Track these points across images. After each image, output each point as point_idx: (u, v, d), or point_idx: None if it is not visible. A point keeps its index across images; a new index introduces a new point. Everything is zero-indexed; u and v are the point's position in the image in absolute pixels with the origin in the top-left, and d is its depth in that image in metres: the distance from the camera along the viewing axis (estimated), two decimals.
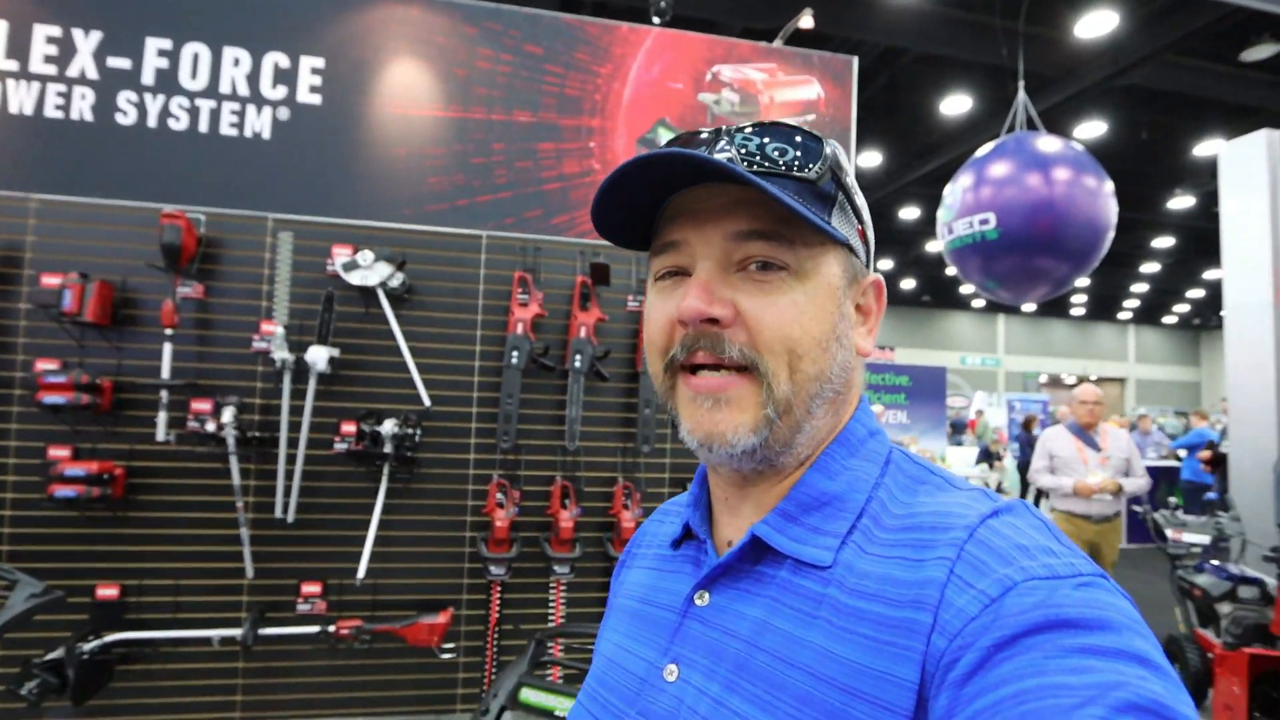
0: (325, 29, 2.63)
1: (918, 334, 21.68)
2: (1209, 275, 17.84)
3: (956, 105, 9.08)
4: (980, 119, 9.22)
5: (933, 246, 15.16)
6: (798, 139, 0.52)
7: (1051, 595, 0.40)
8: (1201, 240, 14.60)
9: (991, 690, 0.37)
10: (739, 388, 0.52)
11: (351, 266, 2.46)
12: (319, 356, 2.36)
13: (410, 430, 2.47)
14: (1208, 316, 23.17)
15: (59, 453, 2.34)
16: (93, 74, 2.47)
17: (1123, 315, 23.63)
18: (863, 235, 0.57)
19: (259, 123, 2.56)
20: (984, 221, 5.51)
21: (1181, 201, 12.15)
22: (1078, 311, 23.13)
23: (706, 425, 0.52)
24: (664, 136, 2.77)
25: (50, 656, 2.22)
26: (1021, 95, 6.67)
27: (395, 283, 2.50)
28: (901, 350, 18.55)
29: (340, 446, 2.48)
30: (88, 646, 2.26)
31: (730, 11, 5.87)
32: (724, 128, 0.54)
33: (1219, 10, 6.34)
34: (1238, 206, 3.66)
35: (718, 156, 0.51)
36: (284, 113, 2.58)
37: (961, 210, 5.59)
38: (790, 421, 0.52)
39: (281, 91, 2.58)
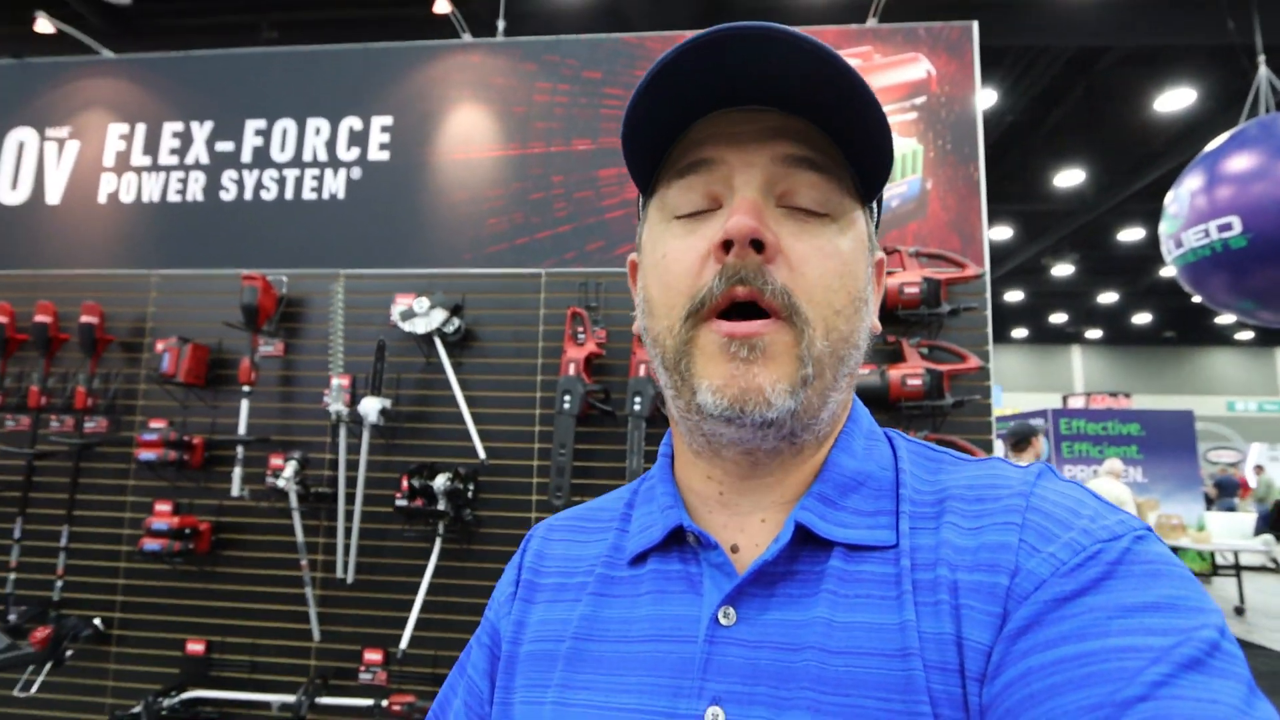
0: (393, 88, 2.69)
1: (1161, 377, 18.14)
2: None
3: (1176, 100, 7.64)
4: (1209, 113, 7.65)
5: (1168, 272, 12.77)
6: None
7: (1109, 552, 0.40)
8: None
9: (1050, 648, 0.37)
10: (778, 333, 0.45)
11: (408, 315, 2.40)
12: (370, 408, 2.28)
13: (462, 486, 2.28)
14: None
15: (162, 508, 2.47)
16: (205, 159, 2.73)
17: None
18: (878, 205, 0.55)
19: (335, 184, 2.65)
20: (1225, 228, 4.44)
21: None
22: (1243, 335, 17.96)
23: (741, 380, 0.45)
24: None
25: (133, 710, 2.27)
26: (1263, 71, 5.35)
27: (450, 328, 2.38)
28: (1141, 397, 15.44)
29: (401, 503, 2.36)
30: (167, 703, 2.29)
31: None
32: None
33: None
34: None
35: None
36: (356, 172, 2.65)
37: (1192, 217, 4.53)
38: (820, 387, 0.47)
39: (355, 152, 2.66)
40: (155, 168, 2.75)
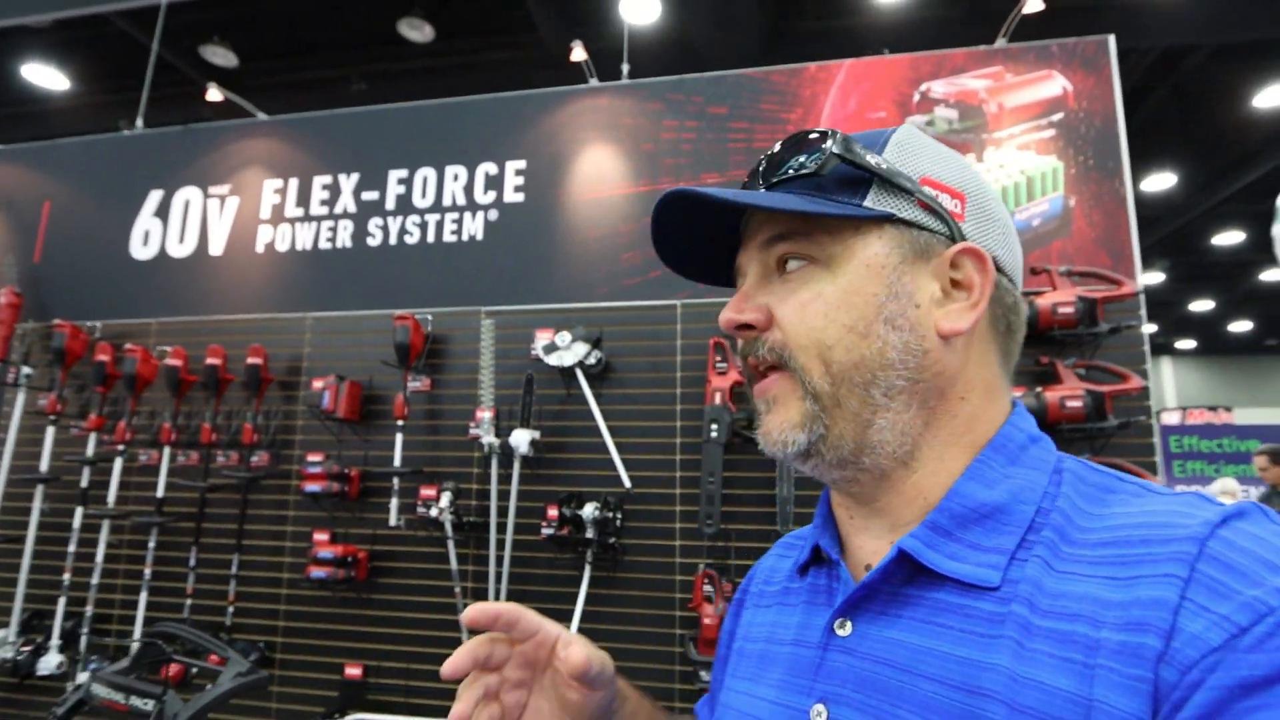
0: (526, 133, 2.83)
1: (1263, 389, 16.97)
2: None
3: (1277, 96, 7.26)
4: None
5: (1269, 276, 11.99)
6: (801, 142, 0.53)
7: None
8: None
9: None
10: (779, 385, 0.52)
11: (551, 349, 2.49)
12: (521, 440, 2.37)
13: (610, 514, 2.34)
14: None
15: (320, 537, 2.61)
16: (351, 208, 2.92)
17: None
18: (925, 205, 0.52)
19: (473, 226, 2.79)
20: None
21: None
22: None
23: (764, 428, 0.54)
24: None
25: None
26: None
27: (592, 361, 2.46)
28: (1243, 411, 14.50)
29: (547, 531, 2.43)
30: None
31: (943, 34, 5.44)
32: (762, 156, 0.57)
33: None
34: None
35: (758, 186, 0.55)
36: (494, 214, 2.78)
37: None
38: (846, 415, 0.50)
39: (491, 196, 2.80)
40: (307, 218, 2.96)
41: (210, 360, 2.73)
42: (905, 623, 0.47)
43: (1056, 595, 0.42)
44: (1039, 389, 2.13)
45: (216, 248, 3.02)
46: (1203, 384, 17.49)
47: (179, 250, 3.06)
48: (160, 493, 2.68)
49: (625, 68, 2.84)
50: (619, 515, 2.36)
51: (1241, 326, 15.79)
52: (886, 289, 0.50)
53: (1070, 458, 0.52)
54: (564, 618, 2.35)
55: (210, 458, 2.78)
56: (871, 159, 0.51)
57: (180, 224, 3.08)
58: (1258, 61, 6.79)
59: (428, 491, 2.55)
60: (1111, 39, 2.41)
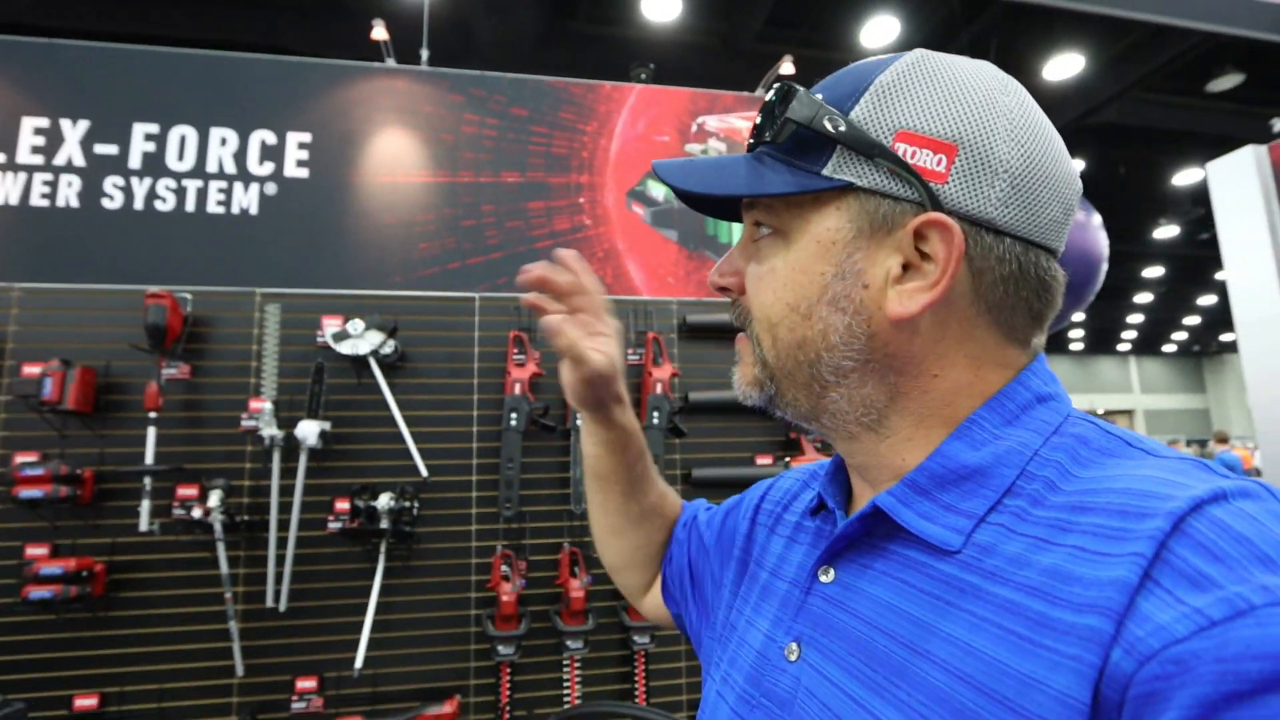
0: (312, 105, 2.65)
1: None
2: (1203, 301, 17.93)
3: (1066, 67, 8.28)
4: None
5: None
6: (767, 106, 0.51)
7: None
8: (1191, 267, 14.73)
9: None
10: (744, 345, 0.55)
11: (342, 336, 2.40)
12: (309, 431, 2.26)
13: (408, 503, 2.34)
14: (1207, 342, 23.17)
15: (36, 551, 2.20)
16: (79, 161, 2.47)
17: (1122, 347, 23.61)
18: (893, 173, 0.46)
19: (246, 199, 2.54)
20: None
21: (1167, 231, 12.30)
22: (1077, 346, 23.14)
23: (735, 377, 0.56)
24: (654, 189, 2.76)
25: None
26: None
27: (387, 350, 2.42)
28: None
29: (335, 525, 2.35)
30: None
31: (709, 77, 6.05)
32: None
33: (1183, 43, 6.55)
34: (1234, 224, 3.65)
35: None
36: (271, 188, 2.57)
37: None
38: (795, 385, 0.51)
39: (269, 167, 2.57)
40: (11, 166, 2.43)
41: None
42: (878, 576, 0.47)
43: (1021, 564, 0.39)
44: None
45: None
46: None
47: None
48: None
49: (425, 53, 2.81)
50: (416, 504, 2.37)
51: None
52: (835, 267, 0.47)
53: (1085, 420, 0.47)
54: (356, 611, 2.30)
55: None
56: (829, 124, 0.46)
57: None
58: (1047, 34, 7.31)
59: (186, 491, 2.30)
60: None
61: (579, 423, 2.41)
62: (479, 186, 2.68)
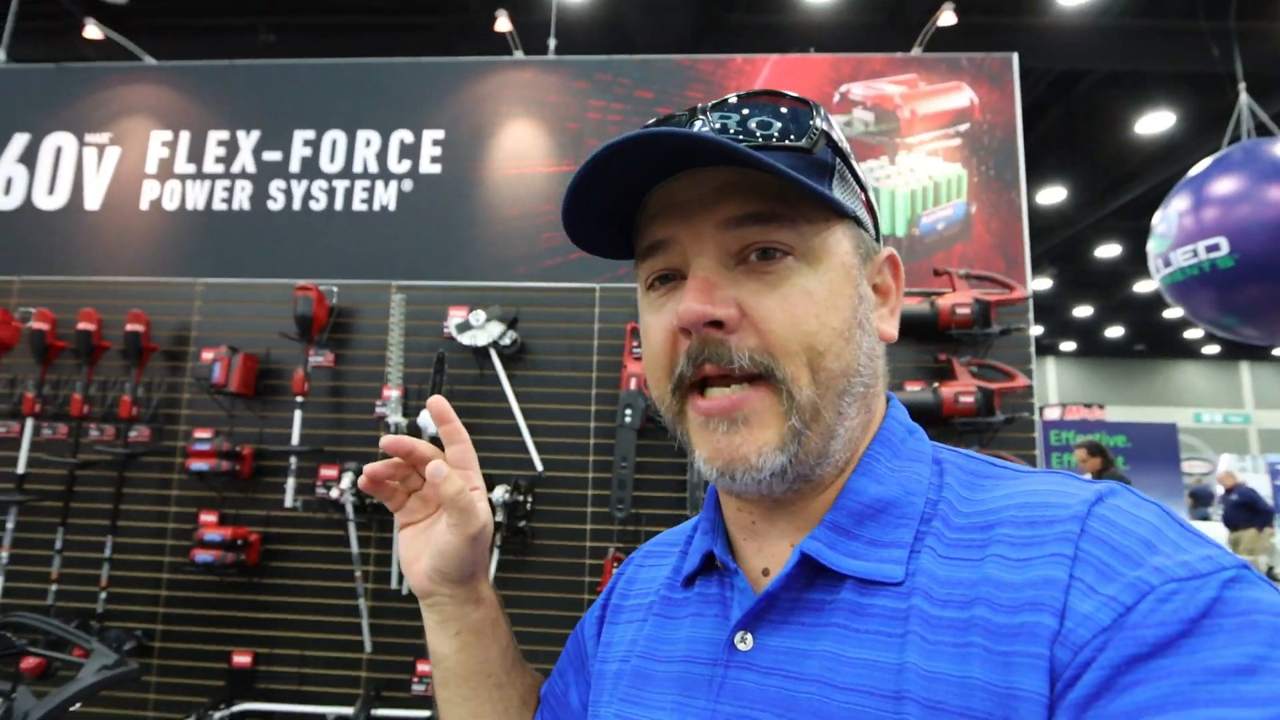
0: (445, 102, 2.71)
1: (1133, 389, 18.66)
2: None
3: (1156, 123, 7.92)
4: (1187, 136, 7.93)
5: (1141, 287, 13.13)
6: (783, 105, 0.47)
7: (1193, 599, 0.34)
8: None
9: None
10: (756, 402, 0.45)
11: (464, 327, 2.42)
12: (430, 421, 2.29)
13: (521, 498, 2.31)
14: None
15: (208, 518, 2.44)
16: (251, 168, 2.72)
17: None
18: (868, 206, 0.51)
19: (386, 196, 2.66)
20: (1213, 248, 4.66)
21: None
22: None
23: (726, 452, 0.46)
24: None
25: None
26: (1244, 99, 5.60)
27: (507, 341, 2.41)
28: (1114, 408, 15.92)
29: None
30: (218, 715, 2.27)
31: (861, 39, 5.59)
32: (700, 105, 0.47)
33: None
34: None
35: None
36: (408, 185, 2.66)
37: (1181, 238, 4.73)
38: (820, 429, 0.46)
39: (406, 165, 2.67)
40: (200, 175, 2.74)
41: (83, 325, 2.50)
42: (810, 630, 0.45)
43: (951, 583, 0.41)
44: (936, 384, 2.25)
45: (93, 202, 2.75)
46: (1081, 383, 19.06)
47: (48, 202, 2.76)
48: (21, 469, 2.44)
49: (552, 43, 2.78)
50: (530, 499, 2.33)
51: (1115, 332, 17.28)
52: (856, 291, 0.48)
53: (943, 447, 0.51)
54: None
55: (81, 431, 2.55)
56: (845, 145, 0.48)
57: (50, 173, 2.78)
58: (1140, 90, 7.38)
59: (328, 472, 2.44)
60: (1015, 57, 2.55)
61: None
62: None
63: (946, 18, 2.41)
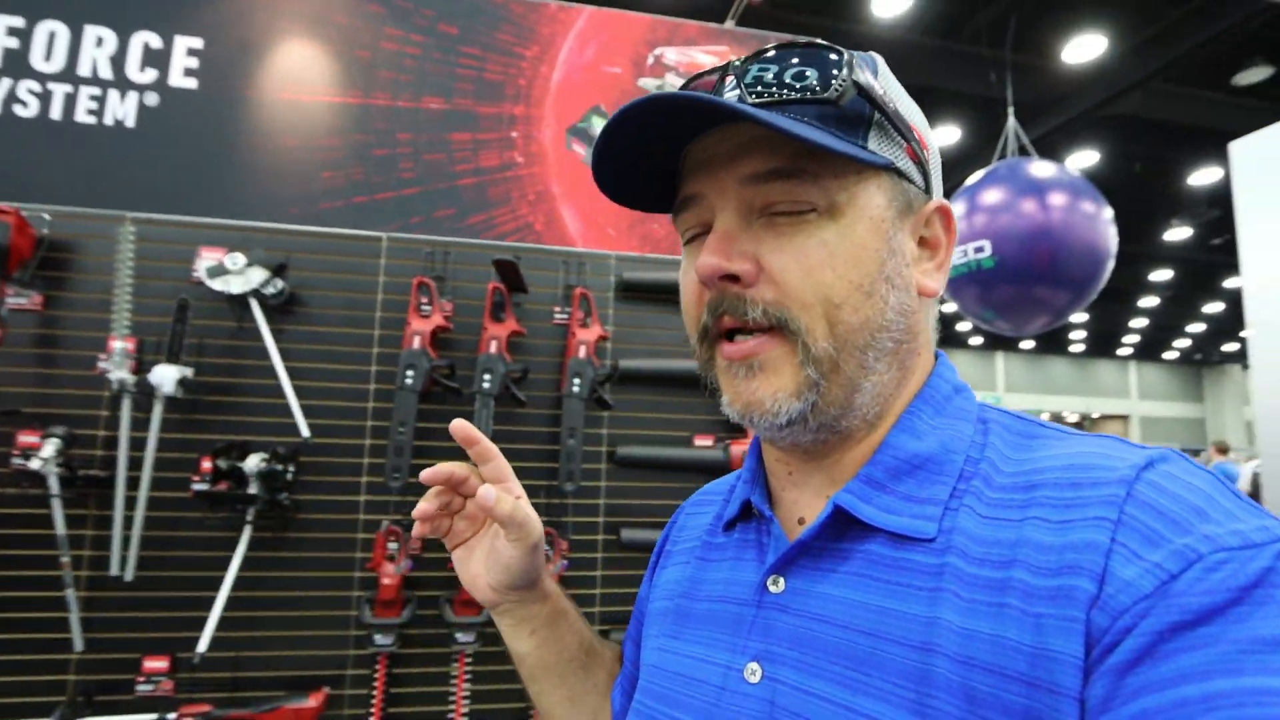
0: (206, 5, 2.30)
1: None
2: (1209, 309, 17.57)
3: (944, 137, 8.93)
4: (970, 151, 9.06)
5: None
6: (812, 55, 0.46)
7: (1244, 568, 0.33)
8: (1200, 273, 14.36)
9: (1167, 687, 0.31)
10: (771, 349, 0.48)
11: (218, 272, 2.08)
12: (165, 377, 1.95)
13: (280, 466, 2.04)
14: (1209, 351, 22.84)
15: None
16: None
17: (1123, 351, 23.26)
18: (914, 156, 0.50)
19: (122, 109, 2.21)
20: (979, 250, 5.36)
21: (1178, 233, 11.91)
22: (1077, 348, 22.79)
23: (744, 395, 0.49)
24: (598, 125, 2.43)
25: None
26: (1012, 122, 6.46)
27: (271, 290, 2.11)
28: None
29: (199, 487, 2.05)
30: None
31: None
32: (733, 60, 0.48)
33: (1213, 28, 6.15)
34: (1254, 211, 3.30)
35: (727, 96, 0.46)
36: (152, 98, 2.23)
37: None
38: (841, 380, 0.47)
39: (151, 75, 2.24)
40: None
41: None
42: (839, 577, 0.46)
43: (989, 543, 0.41)
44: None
45: None
46: None
47: None
48: None
49: None
50: (291, 469, 2.07)
51: None
52: (886, 245, 0.48)
53: (991, 407, 0.51)
54: (216, 585, 2.01)
55: None
56: (888, 93, 0.48)
57: None
58: (933, 105, 8.19)
59: (28, 438, 2.00)
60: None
61: (485, 384, 2.10)
62: (396, 111, 2.34)
63: None
